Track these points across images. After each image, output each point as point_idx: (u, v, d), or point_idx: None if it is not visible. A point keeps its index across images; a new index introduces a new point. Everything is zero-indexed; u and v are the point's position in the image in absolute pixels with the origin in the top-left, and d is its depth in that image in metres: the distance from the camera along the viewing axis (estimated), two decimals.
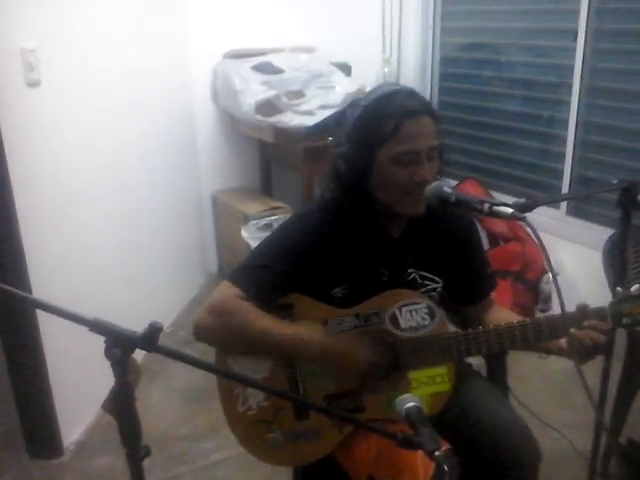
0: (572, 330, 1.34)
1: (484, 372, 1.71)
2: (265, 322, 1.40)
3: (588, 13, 2.95)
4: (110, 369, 0.92)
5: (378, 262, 1.49)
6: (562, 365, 1.59)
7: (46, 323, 2.15)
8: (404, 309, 1.44)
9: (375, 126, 1.34)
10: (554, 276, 1.36)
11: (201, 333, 1.44)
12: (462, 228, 1.57)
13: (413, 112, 1.33)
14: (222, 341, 1.45)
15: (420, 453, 1.00)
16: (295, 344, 1.40)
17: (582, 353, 1.33)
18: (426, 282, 1.52)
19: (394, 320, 1.44)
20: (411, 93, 1.39)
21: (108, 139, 2.61)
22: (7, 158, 1.98)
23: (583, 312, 1.35)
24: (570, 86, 3.10)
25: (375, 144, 1.34)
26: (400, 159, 1.34)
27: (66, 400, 2.31)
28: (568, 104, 3.13)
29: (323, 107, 3.20)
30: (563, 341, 1.42)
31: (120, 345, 0.91)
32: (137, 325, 0.93)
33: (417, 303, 1.45)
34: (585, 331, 1.33)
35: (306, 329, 1.42)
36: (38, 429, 2.32)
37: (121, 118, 2.71)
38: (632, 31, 2.87)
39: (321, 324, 1.44)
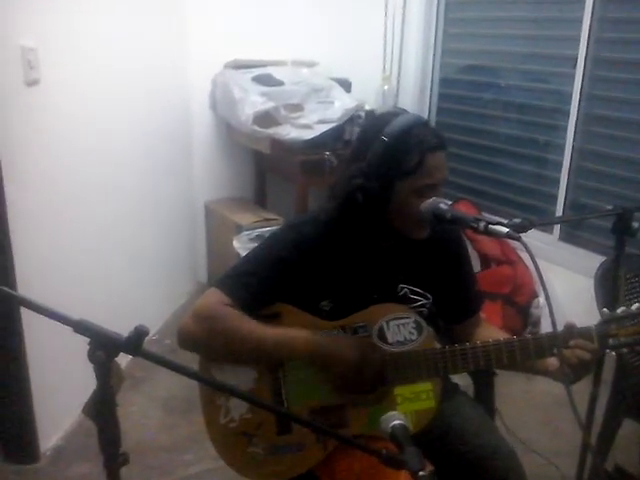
0: (559, 349, 1.33)
1: (471, 393, 1.69)
2: (251, 324, 1.39)
3: (588, 41, 2.98)
4: (92, 374, 0.90)
5: (369, 276, 1.48)
6: (548, 388, 1.58)
7: (29, 323, 2.12)
8: (392, 323, 1.43)
9: (399, 160, 1.37)
10: (547, 295, 1.35)
11: (185, 339, 1.43)
12: (451, 243, 1.58)
13: (434, 147, 1.38)
14: (206, 347, 1.43)
15: (404, 473, 0.98)
16: (283, 341, 1.39)
17: (570, 373, 1.32)
18: (416, 297, 1.52)
19: (381, 334, 1.43)
20: (426, 125, 1.43)
21: (104, 142, 2.60)
22: (0, 156, 1.96)
23: (570, 331, 1.35)
24: (567, 112, 3.12)
25: (397, 176, 1.38)
26: (421, 191, 1.38)
27: (45, 404, 2.27)
28: (565, 130, 3.15)
29: (321, 121, 3.20)
30: (550, 362, 1.41)
31: (104, 348, 0.89)
32: (122, 331, 0.91)
33: (405, 317, 1.44)
34: (572, 350, 1.33)
35: (293, 328, 1.41)
36: (15, 433, 2.27)
37: (118, 121, 2.71)
38: (631, 60, 2.90)
39: None
